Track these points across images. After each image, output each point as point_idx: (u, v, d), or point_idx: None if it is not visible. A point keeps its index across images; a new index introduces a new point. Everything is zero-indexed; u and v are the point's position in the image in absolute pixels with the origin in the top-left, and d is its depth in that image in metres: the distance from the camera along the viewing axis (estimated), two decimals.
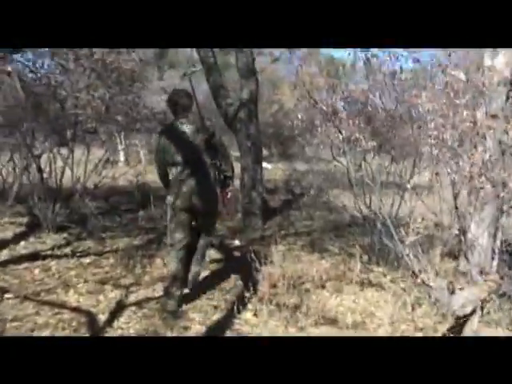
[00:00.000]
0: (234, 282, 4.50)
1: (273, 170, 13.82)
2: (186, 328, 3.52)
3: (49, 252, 5.17)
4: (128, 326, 3.52)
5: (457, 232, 4.26)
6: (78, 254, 5.12)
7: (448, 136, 3.50)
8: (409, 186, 4.01)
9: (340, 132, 4.42)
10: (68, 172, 6.19)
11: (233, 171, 4.08)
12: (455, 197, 3.89)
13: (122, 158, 13.55)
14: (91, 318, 3.61)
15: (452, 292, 3.94)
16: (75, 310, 3.75)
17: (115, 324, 3.52)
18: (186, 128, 3.77)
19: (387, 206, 5.30)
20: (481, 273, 4.53)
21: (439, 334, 3.39)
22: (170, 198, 3.84)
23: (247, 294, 3.89)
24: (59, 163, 6.11)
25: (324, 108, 4.58)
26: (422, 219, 4.09)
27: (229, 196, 4.12)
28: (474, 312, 3.26)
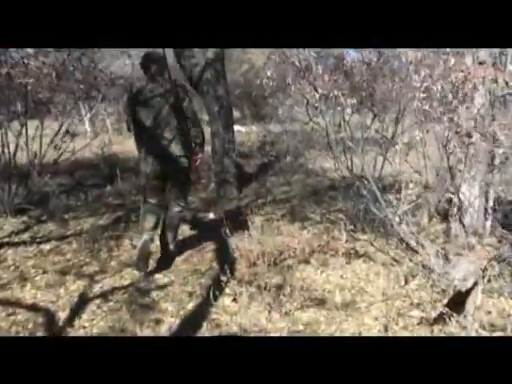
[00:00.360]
0: (209, 262, 4.10)
1: (246, 132, 13.33)
2: (157, 322, 3.12)
3: (6, 239, 4.69)
4: (92, 323, 3.10)
5: (450, 193, 3.92)
6: (38, 240, 4.65)
7: (439, 88, 3.09)
8: (397, 148, 3.61)
9: (315, 89, 3.96)
10: (23, 148, 5.65)
11: (203, 138, 4.00)
12: (448, 155, 3.52)
13: (87, 128, 12.89)
14: (49, 317, 3.18)
15: (446, 259, 3.65)
16: (31, 308, 3.31)
17: (76, 323, 3.10)
18: (156, 92, 3.75)
19: (370, 166, 4.95)
20: (474, 234, 4.25)
21: (438, 311, 3.06)
22: (141, 165, 3.86)
23: (224, 278, 3.51)
24: (11, 139, 5.55)
25: (296, 63, 4.10)
26: (411, 182, 3.72)
27: (197, 163, 4.04)
28: (475, 284, 2.94)
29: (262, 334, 2.96)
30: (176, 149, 3.79)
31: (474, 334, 2.74)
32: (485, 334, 2.78)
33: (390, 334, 2.94)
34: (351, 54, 4.43)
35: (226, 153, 6.35)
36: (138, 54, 14.47)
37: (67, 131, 6.21)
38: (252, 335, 2.96)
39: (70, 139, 6.20)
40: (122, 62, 12.57)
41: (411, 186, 3.60)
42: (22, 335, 2.99)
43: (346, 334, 2.97)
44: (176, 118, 3.77)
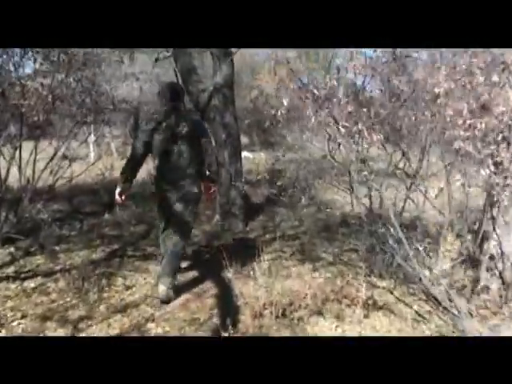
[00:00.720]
0: (209, 310, 3.64)
1: (254, 159, 12.94)
2: None
3: None
4: None
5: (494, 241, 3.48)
6: (23, 276, 4.23)
7: (483, 126, 2.67)
8: (433, 195, 3.17)
9: (336, 121, 3.54)
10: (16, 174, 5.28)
11: (217, 165, 4.31)
12: (491, 202, 3.09)
13: (91, 151, 12.57)
14: None
15: (482, 321, 3.19)
16: None
17: None
18: (172, 119, 3.78)
19: (391, 205, 4.50)
20: (507, 288, 3.79)
21: None
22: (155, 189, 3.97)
23: (225, 334, 3.05)
24: (3, 164, 5.17)
25: (315, 91, 3.68)
26: (450, 232, 3.27)
27: (211, 190, 4.09)
28: None
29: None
30: (189, 176, 3.82)
31: None
32: None
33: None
34: (375, 84, 4.01)
35: (233, 183, 5.94)
36: (145, 77, 14.22)
37: (65, 156, 5.86)
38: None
39: (68, 164, 5.84)
40: (130, 86, 12.30)
41: (449, 238, 3.15)
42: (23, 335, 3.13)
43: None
44: (190, 146, 3.81)
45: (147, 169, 9.63)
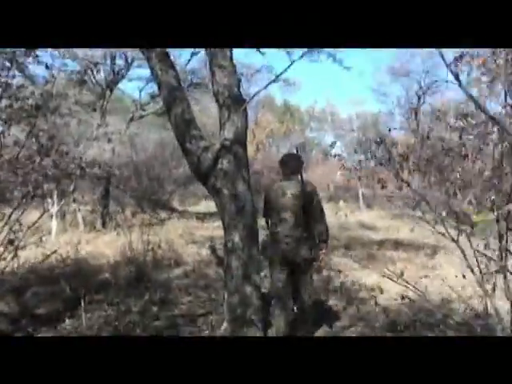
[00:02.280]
0: None
1: None
2: None
3: None
4: None
5: None
6: None
7: None
8: None
9: None
10: None
11: (327, 235, 4.14)
12: None
13: (54, 225, 10.56)
14: None
15: None
16: None
17: None
18: (289, 190, 4.08)
19: None
20: None
21: None
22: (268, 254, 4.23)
23: None
24: None
25: None
26: None
27: (321, 258, 4.19)
28: None
29: None
30: (303, 244, 4.03)
31: None
32: None
33: None
34: None
35: (247, 276, 4.25)
36: (119, 138, 12.64)
37: (10, 241, 4.16)
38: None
39: (13, 253, 4.13)
40: (101, 147, 10.72)
41: None
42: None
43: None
44: (304, 214, 4.01)
45: (119, 246, 7.93)
